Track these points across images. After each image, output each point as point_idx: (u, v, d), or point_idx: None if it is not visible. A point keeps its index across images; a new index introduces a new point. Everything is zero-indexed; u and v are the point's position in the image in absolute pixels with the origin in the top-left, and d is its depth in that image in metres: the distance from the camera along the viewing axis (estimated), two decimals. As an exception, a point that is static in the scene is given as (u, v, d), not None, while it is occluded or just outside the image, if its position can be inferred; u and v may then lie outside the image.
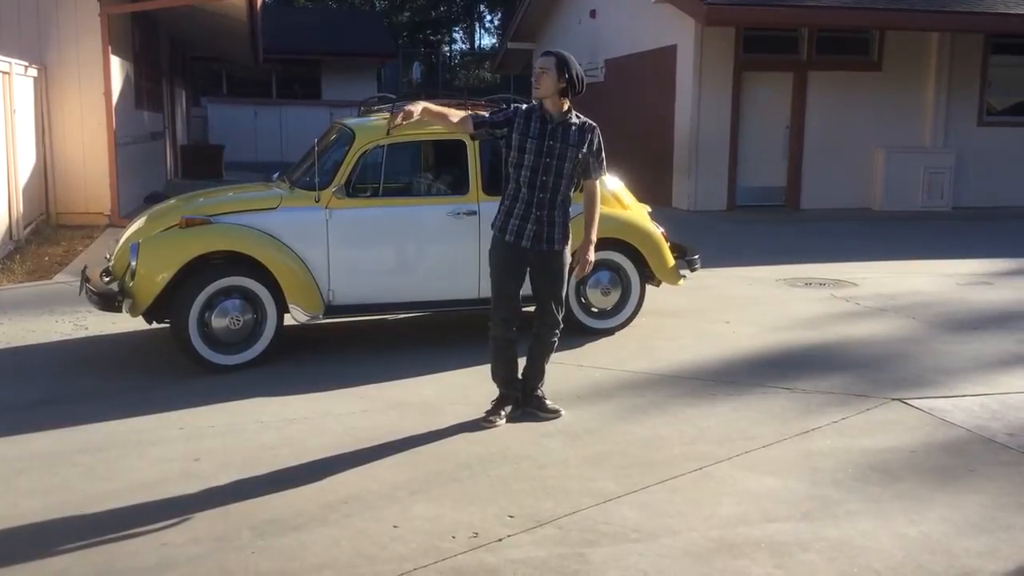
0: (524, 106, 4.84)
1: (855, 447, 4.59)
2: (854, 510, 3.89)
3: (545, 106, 4.71)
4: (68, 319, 7.14)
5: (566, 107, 4.73)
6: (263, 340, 5.94)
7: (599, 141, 4.85)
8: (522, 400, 5.02)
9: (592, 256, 4.91)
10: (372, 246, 6.23)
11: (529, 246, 4.77)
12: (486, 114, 4.91)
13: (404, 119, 4.75)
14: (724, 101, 14.52)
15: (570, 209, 4.89)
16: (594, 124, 4.83)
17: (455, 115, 4.95)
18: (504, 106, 4.91)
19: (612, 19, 17.52)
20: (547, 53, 4.74)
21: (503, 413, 4.91)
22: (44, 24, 11.49)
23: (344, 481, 4.16)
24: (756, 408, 5.19)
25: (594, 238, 4.90)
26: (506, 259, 4.81)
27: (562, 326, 5.01)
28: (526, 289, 4.92)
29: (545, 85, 4.66)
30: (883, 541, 3.62)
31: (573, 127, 4.73)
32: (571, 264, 4.98)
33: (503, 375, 4.95)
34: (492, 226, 4.87)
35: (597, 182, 4.92)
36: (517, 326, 4.88)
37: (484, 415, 4.90)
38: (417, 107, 4.60)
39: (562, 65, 4.64)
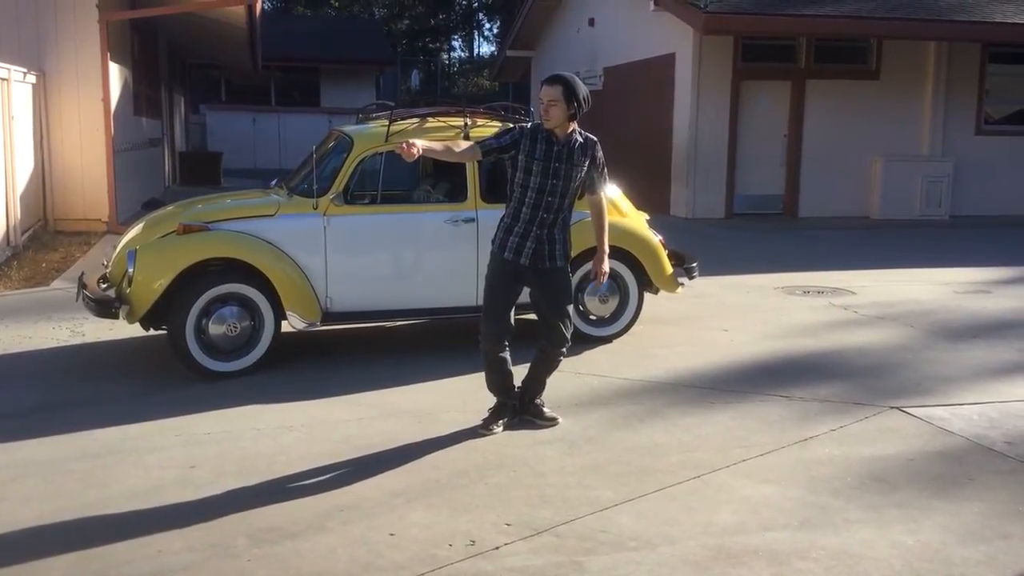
0: (529, 125, 4.81)
1: (853, 455, 4.58)
2: (852, 518, 3.88)
3: (552, 128, 4.69)
4: (65, 325, 7.13)
5: (572, 128, 4.71)
6: (260, 347, 5.93)
7: (601, 155, 4.85)
8: (520, 407, 5.01)
9: (607, 266, 4.95)
10: (370, 253, 6.23)
11: (528, 263, 4.75)
12: (492, 138, 4.78)
13: (403, 154, 4.59)
14: (722, 109, 14.54)
15: (571, 219, 4.89)
16: (595, 139, 4.82)
17: (459, 145, 4.86)
18: (511, 126, 4.83)
19: (610, 27, 17.55)
20: (552, 81, 4.62)
21: (501, 422, 4.90)
22: (43, 30, 11.49)
23: (341, 489, 4.15)
24: (754, 416, 5.18)
25: (607, 248, 4.94)
26: (502, 275, 4.78)
27: (570, 343, 4.97)
28: (523, 299, 4.92)
29: (556, 116, 4.60)
30: (881, 550, 3.61)
31: (577, 145, 4.71)
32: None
33: (499, 386, 4.94)
34: (492, 242, 4.85)
35: (602, 194, 4.92)
36: (508, 340, 4.85)
37: (481, 423, 4.89)
38: (417, 145, 4.46)
39: (570, 93, 4.56)
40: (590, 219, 5.03)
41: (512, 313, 4.84)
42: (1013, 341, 6.93)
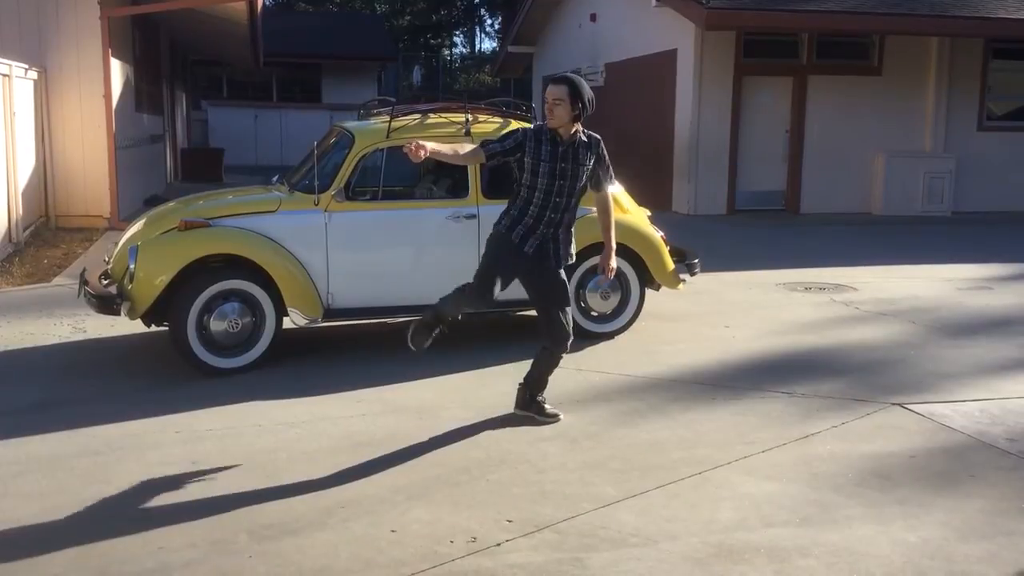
0: (532, 127, 4.79)
1: (855, 452, 4.58)
2: (854, 515, 3.88)
3: (556, 129, 4.68)
4: (67, 322, 7.13)
5: (575, 129, 4.70)
6: (262, 343, 5.93)
7: (605, 153, 4.85)
8: (522, 404, 5.00)
9: (615, 263, 4.94)
10: (371, 249, 6.22)
11: (532, 253, 4.74)
12: (496, 142, 4.74)
13: (410, 154, 4.51)
14: (724, 105, 14.52)
15: (575, 219, 4.87)
16: (599, 137, 4.82)
17: (463, 147, 4.84)
18: (515, 128, 4.83)
19: (612, 23, 17.53)
20: (558, 80, 4.64)
21: (431, 339, 4.87)
22: (44, 27, 11.49)
23: (342, 485, 4.15)
24: (756, 412, 5.18)
25: (614, 244, 4.94)
26: (505, 251, 4.73)
27: (572, 338, 4.94)
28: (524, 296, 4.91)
29: (559, 116, 4.60)
30: (883, 547, 3.60)
31: (581, 144, 4.71)
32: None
33: (449, 313, 4.86)
34: (496, 225, 4.80)
35: (608, 191, 4.92)
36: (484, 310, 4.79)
37: (410, 335, 4.86)
38: (425, 148, 4.47)
39: (575, 93, 4.58)
40: (594, 215, 5.03)
41: (496, 292, 4.78)
42: (1015, 337, 6.92)
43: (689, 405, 5.32)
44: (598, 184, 4.86)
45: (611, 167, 4.92)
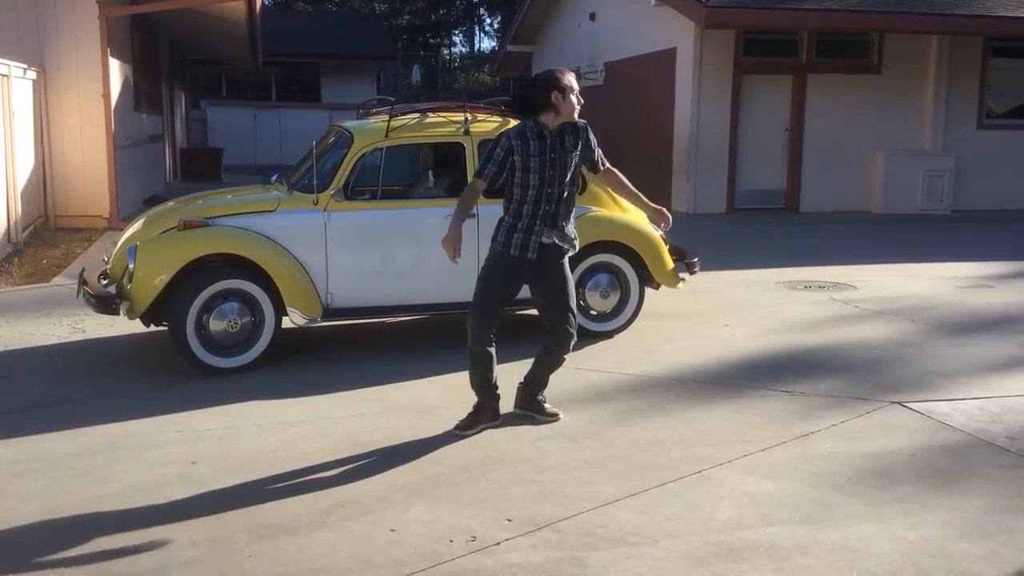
0: (514, 128, 4.76)
1: (854, 450, 4.58)
2: (853, 513, 3.87)
3: (540, 120, 4.65)
4: (66, 322, 7.13)
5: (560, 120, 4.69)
6: (261, 343, 5.93)
7: (592, 136, 4.82)
8: (521, 403, 5.00)
9: (664, 211, 4.93)
10: (370, 248, 6.23)
11: (535, 257, 4.73)
12: (488, 164, 4.67)
13: (453, 256, 4.62)
14: (723, 104, 14.52)
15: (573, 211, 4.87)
16: (584, 122, 4.79)
17: (467, 194, 4.82)
18: (496, 137, 4.81)
19: (611, 22, 17.52)
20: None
21: (479, 428, 4.80)
22: (43, 26, 11.48)
23: (341, 485, 4.15)
24: (755, 411, 5.17)
25: (649, 203, 4.94)
26: (505, 271, 4.72)
27: (576, 340, 4.92)
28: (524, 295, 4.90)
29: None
30: (883, 545, 3.60)
31: (567, 130, 4.71)
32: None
33: (481, 384, 4.83)
34: (493, 240, 4.79)
35: (608, 166, 4.93)
36: (495, 334, 4.78)
37: (457, 426, 4.80)
38: (453, 241, 4.58)
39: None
40: (594, 214, 4.99)
41: (498, 311, 4.80)
42: (1014, 335, 6.92)
43: (689, 404, 5.32)
44: (594, 166, 4.86)
45: (599, 149, 4.88)
